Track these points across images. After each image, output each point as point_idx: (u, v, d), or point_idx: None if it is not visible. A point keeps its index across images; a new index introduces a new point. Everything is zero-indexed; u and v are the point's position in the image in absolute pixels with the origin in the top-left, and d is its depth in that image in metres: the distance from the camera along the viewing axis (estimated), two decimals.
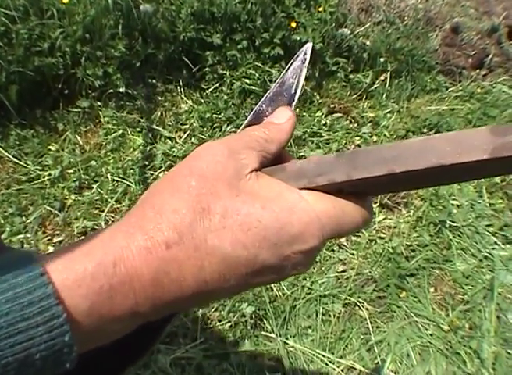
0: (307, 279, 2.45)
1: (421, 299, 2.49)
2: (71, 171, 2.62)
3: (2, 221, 2.42)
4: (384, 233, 2.70)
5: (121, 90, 2.85)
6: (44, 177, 2.57)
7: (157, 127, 2.86)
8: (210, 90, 3.02)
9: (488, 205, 2.93)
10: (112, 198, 2.55)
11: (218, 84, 3.03)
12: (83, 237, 0.45)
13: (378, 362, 2.27)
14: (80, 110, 2.80)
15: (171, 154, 2.75)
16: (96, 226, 2.46)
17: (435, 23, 3.76)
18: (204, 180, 0.46)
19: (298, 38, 3.00)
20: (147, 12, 2.87)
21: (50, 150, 2.68)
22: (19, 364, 0.35)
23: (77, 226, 2.45)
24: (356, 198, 0.51)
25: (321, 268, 2.52)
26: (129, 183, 2.62)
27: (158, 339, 0.54)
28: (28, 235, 2.39)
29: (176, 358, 2.09)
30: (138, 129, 2.84)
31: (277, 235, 0.45)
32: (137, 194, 2.56)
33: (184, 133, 2.88)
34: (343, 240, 2.61)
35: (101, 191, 2.56)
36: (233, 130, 2.87)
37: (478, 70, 3.70)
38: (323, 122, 3.10)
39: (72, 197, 2.54)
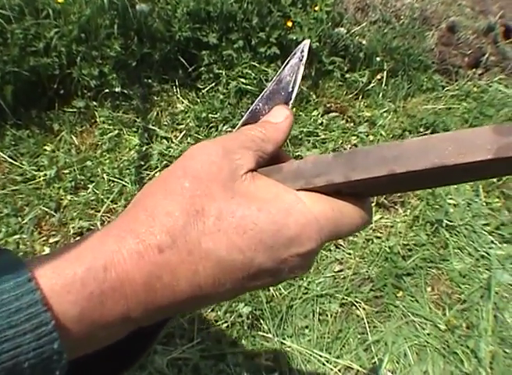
0: (304, 279, 2.45)
1: (418, 299, 2.49)
2: (67, 171, 2.61)
3: None
4: (381, 233, 2.69)
5: (117, 90, 2.84)
6: (39, 178, 2.56)
7: (153, 127, 2.85)
8: (206, 89, 3.01)
9: (484, 204, 2.93)
10: (107, 198, 2.55)
11: (214, 84, 3.02)
12: (72, 241, 0.44)
13: (375, 362, 2.27)
14: (75, 110, 2.80)
15: (167, 154, 2.75)
16: (92, 227, 2.45)
17: (432, 22, 3.76)
18: (198, 182, 0.45)
19: (294, 37, 3.00)
20: (143, 11, 2.86)
21: (45, 150, 2.67)
22: (7, 372, 0.34)
23: (73, 227, 2.44)
24: (355, 199, 0.50)
25: (318, 268, 2.51)
26: (125, 184, 2.61)
27: (152, 345, 0.53)
28: (24, 236, 2.39)
29: (172, 359, 2.09)
30: (134, 129, 2.84)
31: (273, 238, 0.44)
32: (133, 194, 2.56)
33: (180, 132, 2.87)
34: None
35: (97, 192, 2.56)
36: (229, 129, 2.87)
37: (474, 69, 3.70)
38: (319, 121, 3.10)
39: (68, 197, 2.53)
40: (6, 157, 2.61)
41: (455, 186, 2.93)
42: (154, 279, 0.41)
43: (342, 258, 2.57)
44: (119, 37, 2.81)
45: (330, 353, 2.25)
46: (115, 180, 2.62)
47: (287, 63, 0.61)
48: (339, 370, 2.21)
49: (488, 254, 2.70)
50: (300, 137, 2.96)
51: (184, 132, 2.87)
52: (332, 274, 2.50)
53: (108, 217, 2.51)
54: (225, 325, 2.22)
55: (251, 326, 2.25)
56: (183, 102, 2.99)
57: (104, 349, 0.44)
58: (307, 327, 2.33)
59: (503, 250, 2.72)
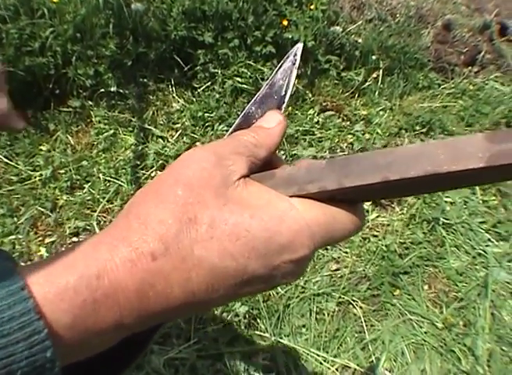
0: (301, 278, 2.44)
1: (415, 297, 2.49)
2: (62, 171, 2.60)
3: None
4: (377, 231, 2.70)
5: (112, 89, 2.84)
6: (35, 178, 2.56)
7: (149, 127, 2.85)
8: (202, 88, 3.01)
9: (481, 202, 2.94)
10: (103, 198, 2.54)
11: (209, 83, 3.02)
12: (65, 249, 0.44)
13: (372, 361, 2.27)
14: (71, 110, 2.79)
15: (163, 153, 2.74)
16: (88, 227, 2.45)
17: (427, 21, 3.77)
18: (190, 189, 0.44)
19: (290, 36, 3.00)
20: (138, 10, 2.86)
21: (41, 150, 2.66)
22: None
23: (69, 227, 2.44)
24: (347, 205, 0.50)
25: (315, 267, 2.51)
26: (121, 183, 2.61)
27: (144, 350, 0.53)
28: (20, 236, 2.38)
29: (169, 359, 2.09)
30: (130, 128, 2.83)
31: (266, 245, 0.44)
32: (129, 193, 2.55)
33: (176, 132, 2.87)
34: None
35: (93, 191, 2.55)
36: (225, 128, 2.87)
37: (470, 67, 3.71)
38: (315, 120, 3.10)
39: (64, 197, 2.53)
40: (2, 157, 2.61)
41: None
42: (147, 286, 0.41)
43: (339, 257, 2.57)
44: (114, 37, 2.81)
45: (327, 352, 2.26)
46: (111, 179, 2.61)
47: (280, 67, 0.61)
48: (337, 369, 2.21)
49: (484, 252, 2.70)
50: (296, 135, 2.96)
51: (180, 131, 2.87)
52: (329, 273, 2.50)
53: (104, 217, 2.51)
54: (222, 324, 2.22)
55: (248, 325, 2.25)
56: (178, 101, 2.99)
57: (97, 355, 0.43)
58: (304, 326, 2.33)
59: (499, 248, 2.72)
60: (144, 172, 2.68)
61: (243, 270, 0.44)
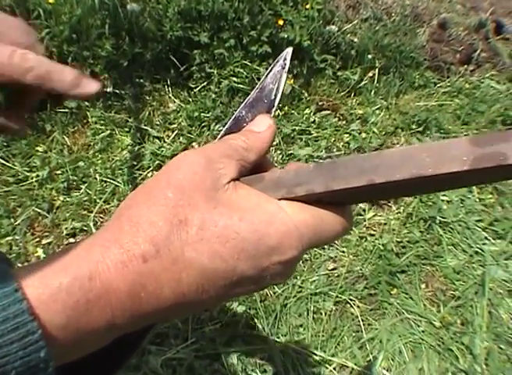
0: (298, 277, 2.45)
1: (412, 296, 2.50)
2: (59, 172, 2.60)
3: None
4: (374, 230, 2.70)
5: (108, 90, 2.84)
6: (32, 178, 2.56)
7: (145, 127, 2.85)
8: (198, 89, 3.01)
9: (478, 200, 2.94)
10: (100, 198, 2.54)
11: (205, 83, 3.02)
12: (59, 251, 0.44)
13: (370, 360, 2.28)
14: (67, 111, 2.79)
15: (159, 153, 2.74)
16: (85, 227, 2.45)
17: (423, 19, 3.77)
18: (181, 192, 0.45)
19: (286, 36, 3.00)
20: (134, 11, 2.86)
21: (38, 151, 2.66)
22: None
23: (66, 228, 2.44)
24: (335, 207, 0.50)
25: (312, 266, 2.51)
26: (118, 184, 2.61)
27: (136, 350, 0.54)
28: (17, 237, 2.38)
29: (166, 359, 2.09)
30: (126, 129, 2.83)
31: (255, 246, 0.45)
32: (126, 194, 2.55)
33: (172, 132, 2.87)
34: (337, 240, 2.61)
35: (90, 192, 2.55)
36: (222, 128, 2.87)
37: (465, 66, 3.71)
38: (312, 119, 3.10)
39: (61, 198, 2.53)
40: None
41: None
42: (138, 287, 0.42)
43: (335, 257, 2.57)
44: (110, 37, 2.80)
45: (325, 351, 2.26)
46: (108, 180, 2.61)
47: (270, 71, 0.62)
48: (334, 368, 2.21)
49: (482, 250, 2.71)
50: (292, 135, 2.96)
51: (176, 131, 2.87)
52: (326, 272, 2.50)
53: (101, 218, 2.51)
54: (220, 324, 2.22)
55: (245, 325, 2.25)
56: (174, 102, 2.99)
57: (90, 356, 0.44)
58: (301, 326, 2.33)
59: (496, 246, 2.73)
60: (140, 172, 2.68)
61: (233, 271, 0.45)
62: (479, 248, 2.71)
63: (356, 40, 3.41)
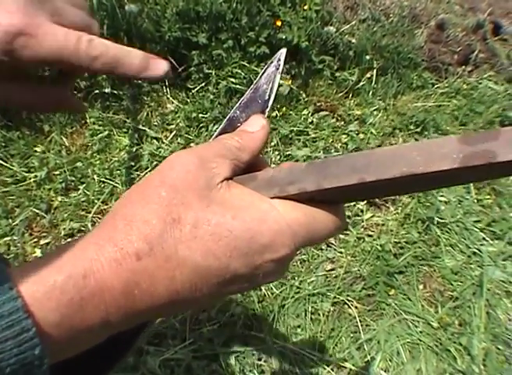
0: (296, 278, 2.45)
1: (410, 296, 2.50)
2: (57, 172, 2.60)
3: None
4: (372, 231, 2.70)
5: (107, 90, 2.84)
6: (30, 179, 2.56)
7: (143, 128, 2.85)
8: (196, 89, 3.01)
9: (475, 201, 2.95)
10: (98, 199, 2.54)
11: (204, 84, 3.02)
12: (54, 249, 0.44)
13: (368, 361, 2.28)
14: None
15: (157, 154, 2.74)
16: (83, 228, 2.45)
17: (421, 20, 3.77)
18: (174, 191, 0.46)
19: (284, 37, 3.00)
20: (133, 12, 2.86)
21: (36, 151, 2.66)
22: None
23: (64, 228, 2.44)
24: (328, 206, 0.51)
25: (310, 267, 2.52)
26: (116, 184, 2.61)
27: (131, 349, 0.54)
28: (15, 237, 2.38)
29: (164, 360, 2.09)
30: (124, 129, 2.83)
31: (248, 245, 0.45)
32: None
33: (170, 133, 2.87)
34: (331, 238, 2.61)
35: (88, 193, 2.55)
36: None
37: (463, 66, 3.71)
38: (310, 120, 3.10)
39: (59, 198, 2.53)
40: None
41: None
42: (132, 285, 0.42)
43: (333, 257, 2.57)
44: (108, 38, 2.78)
45: (322, 352, 2.26)
46: (106, 180, 2.61)
47: (264, 72, 0.63)
48: (332, 369, 2.21)
49: (479, 251, 2.71)
50: (290, 136, 2.96)
51: (174, 132, 2.87)
52: (324, 273, 2.51)
53: (99, 218, 2.50)
54: (218, 325, 2.22)
55: (243, 325, 2.25)
56: (173, 103, 2.99)
57: (84, 353, 0.44)
58: (299, 326, 2.33)
59: (494, 247, 2.73)
60: (138, 173, 2.68)
61: (226, 269, 0.45)
62: (477, 249, 2.72)
63: (354, 41, 3.41)
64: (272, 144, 2.88)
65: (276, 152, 2.87)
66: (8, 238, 2.37)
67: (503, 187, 2.99)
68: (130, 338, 0.54)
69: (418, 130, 3.22)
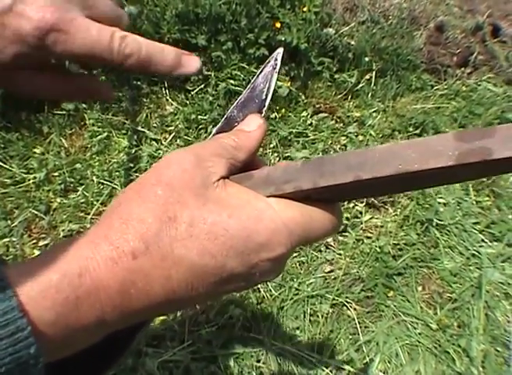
0: (295, 280, 2.45)
1: (409, 298, 2.50)
2: (56, 174, 2.60)
3: None
4: (371, 233, 2.70)
5: None
6: (29, 180, 2.56)
7: (142, 129, 2.85)
8: (195, 91, 3.01)
9: (475, 202, 2.94)
10: (97, 200, 2.54)
11: (203, 86, 3.02)
12: (50, 249, 0.44)
13: (366, 362, 2.28)
14: (64, 113, 2.78)
15: (156, 156, 2.74)
16: (82, 230, 2.45)
17: (420, 22, 3.77)
18: (171, 189, 0.46)
19: (283, 39, 2.99)
20: (132, 13, 2.86)
21: (35, 153, 2.66)
22: None
23: (63, 230, 2.43)
24: (324, 204, 0.51)
25: (309, 268, 2.51)
26: (115, 186, 2.60)
27: (128, 348, 0.54)
28: (13, 239, 2.38)
29: (163, 362, 2.09)
30: (123, 131, 2.83)
31: (244, 243, 0.45)
32: None
33: (169, 134, 2.87)
34: (329, 240, 2.62)
35: (87, 194, 2.55)
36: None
37: (462, 68, 3.71)
38: (309, 122, 3.10)
39: (58, 200, 2.53)
40: None
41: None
42: (128, 284, 0.42)
43: (332, 259, 2.57)
44: None
45: (321, 354, 2.26)
46: (105, 182, 2.61)
47: (261, 71, 0.64)
48: (331, 371, 2.21)
49: (478, 252, 2.71)
50: (289, 138, 2.96)
51: (173, 134, 2.86)
52: (323, 275, 2.50)
53: (98, 220, 2.50)
54: (216, 327, 2.22)
55: (242, 327, 2.25)
56: (172, 104, 2.99)
57: (81, 353, 0.44)
58: (298, 328, 2.33)
59: (493, 248, 2.73)
60: (137, 175, 2.68)
61: (222, 268, 0.45)
62: (476, 251, 2.72)
63: (353, 42, 3.41)
64: (271, 145, 2.88)
65: (275, 154, 2.87)
66: (7, 239, 2.37)
67: (501, 189, 2.99)
68: (128, 338, 0.54)
69: (417, 131, 3.22)
